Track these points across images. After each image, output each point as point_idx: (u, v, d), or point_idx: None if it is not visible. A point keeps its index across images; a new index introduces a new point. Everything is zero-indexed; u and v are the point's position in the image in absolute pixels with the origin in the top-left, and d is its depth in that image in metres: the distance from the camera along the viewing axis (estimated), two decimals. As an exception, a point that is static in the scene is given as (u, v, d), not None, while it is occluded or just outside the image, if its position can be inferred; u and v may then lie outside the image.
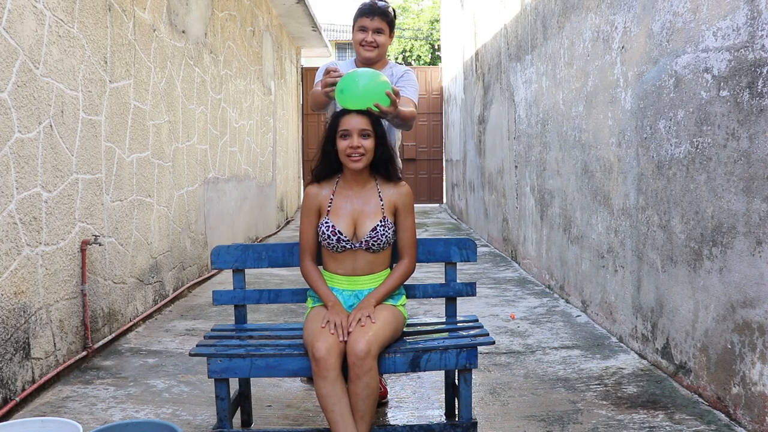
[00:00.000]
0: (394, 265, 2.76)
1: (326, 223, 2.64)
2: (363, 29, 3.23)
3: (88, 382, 3.48)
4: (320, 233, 2.66)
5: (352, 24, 3.32)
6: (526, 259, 6.56)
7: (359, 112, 2.63)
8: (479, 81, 9.14)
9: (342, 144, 2.62)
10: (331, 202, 2.69)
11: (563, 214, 5.24)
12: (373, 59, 3.27)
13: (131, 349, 4.06)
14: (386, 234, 2.65)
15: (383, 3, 3.29)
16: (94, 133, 3.93)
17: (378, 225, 2.64)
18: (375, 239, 2.63)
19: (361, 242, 2.64)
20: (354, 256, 2.66)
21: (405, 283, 2.91)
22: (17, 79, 3.10)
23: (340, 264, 2.68)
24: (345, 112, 2.64)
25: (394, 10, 3.35)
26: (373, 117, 2.66)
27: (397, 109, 2.80)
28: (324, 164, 2.73)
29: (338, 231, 2.62)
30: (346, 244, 2.63)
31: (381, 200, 2.69)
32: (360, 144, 2.60)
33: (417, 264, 2.80)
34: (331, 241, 2.63)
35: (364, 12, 3.24)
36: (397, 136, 3.39)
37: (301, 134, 13.94)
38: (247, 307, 2.99)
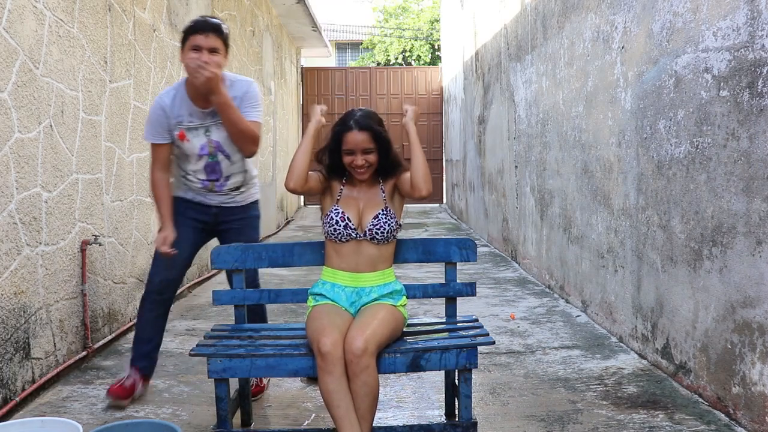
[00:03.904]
0: (394, 265, 2.74)
1: (335, 209, 2.70)
2: (196, 48, 2.88)
3: (88, 382, 3.48)
4: (329, 220, 2.70)
5: (180, 44, 2.99)
6: (526, 259, 6.56)
7: (361, 129, 2.65)
8: (479, 81, 9.14)
9: (347, 159, 2.69)
10: (341, 192, 2.75)
11: (563, 214, 5.24)
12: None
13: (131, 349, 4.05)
14: (389, 222, 2.69)
15: (216, 20, 2.99)
16: (94, 133, 3.93)
17: (380, 213, 2.69)
18: (378, 227, 2.67)
19: (365, 232, 2.68)
20: (358, 249, 2.69)
21: (405, 284, 2.92)
22: (17, 79, 3.10)
23: (343, 259, 2.71)
24: (346, 129, 2.67)
25: (227, 28, 3.02)
26: (376, 131, 2.68)
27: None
28: (332, 166, 2.77)
29: (347, 217, 2.67)
30: (352, 232, 2.67)
31: (383, 192, 2.76)
32: (364, 161, 2.68)
33: (417, 264, 2.81)
34: (338, 227, 2.67)
35: (196, 28, 2.91)
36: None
37: (301, 134, 13.93)
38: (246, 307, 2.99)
